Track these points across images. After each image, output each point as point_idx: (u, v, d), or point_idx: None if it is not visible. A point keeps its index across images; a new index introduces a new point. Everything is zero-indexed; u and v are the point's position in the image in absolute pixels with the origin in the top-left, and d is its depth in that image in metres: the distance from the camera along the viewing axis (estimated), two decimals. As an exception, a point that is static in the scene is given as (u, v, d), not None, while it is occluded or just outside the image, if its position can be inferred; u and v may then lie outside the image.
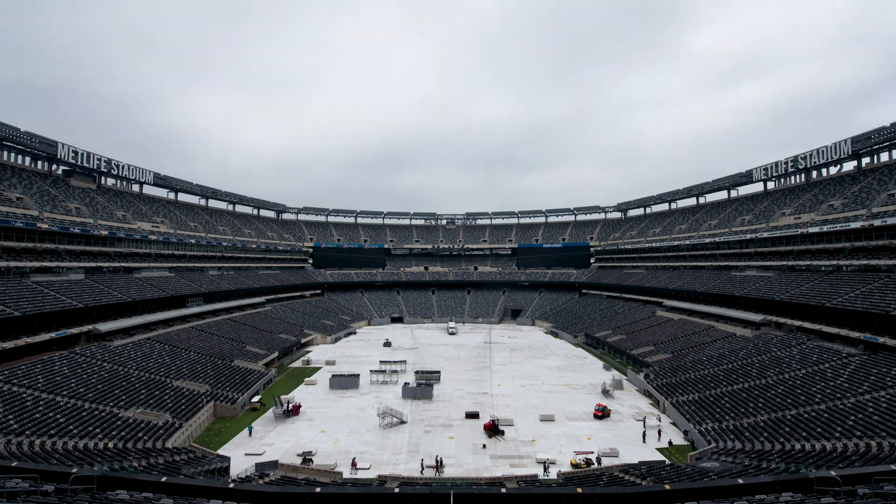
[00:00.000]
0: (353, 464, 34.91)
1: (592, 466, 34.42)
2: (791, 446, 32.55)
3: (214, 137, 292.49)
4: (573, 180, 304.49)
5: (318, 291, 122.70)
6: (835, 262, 59.38)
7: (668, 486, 15.31)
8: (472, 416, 45.65)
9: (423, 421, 45.01)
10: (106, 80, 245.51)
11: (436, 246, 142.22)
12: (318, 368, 67.46)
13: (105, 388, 41.72)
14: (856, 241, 56.33)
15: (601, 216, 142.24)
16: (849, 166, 73.98)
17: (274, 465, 32.75)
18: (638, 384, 57.14)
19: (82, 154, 75.25)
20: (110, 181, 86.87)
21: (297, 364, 71.13)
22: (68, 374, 42.18)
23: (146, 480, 16.11)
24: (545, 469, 33.86)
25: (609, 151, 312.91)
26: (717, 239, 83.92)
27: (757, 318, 61.51)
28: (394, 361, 64.91)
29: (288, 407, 46.62)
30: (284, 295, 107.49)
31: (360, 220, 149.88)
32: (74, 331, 50.85)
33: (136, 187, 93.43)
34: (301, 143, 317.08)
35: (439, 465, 34.23)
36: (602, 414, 45.67)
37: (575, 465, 34.99)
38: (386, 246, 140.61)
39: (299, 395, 53.57)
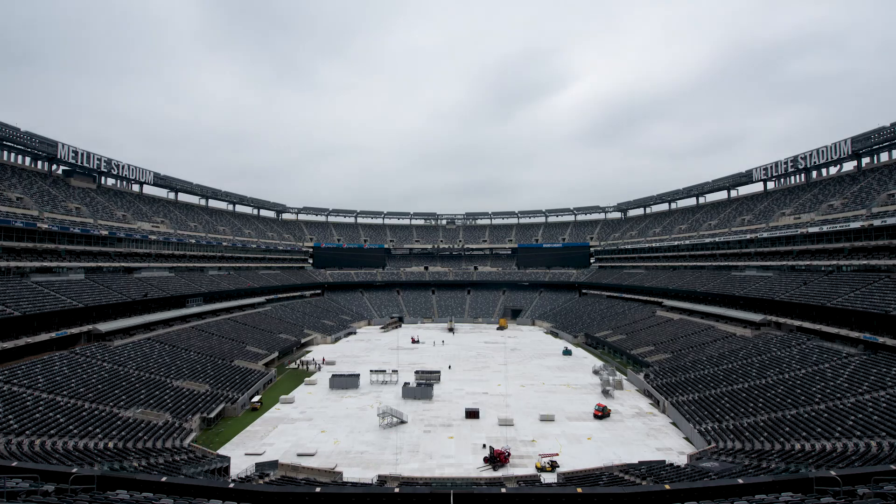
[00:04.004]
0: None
1: (558, 470, 33.30)
2: (791, 446, 32.55)
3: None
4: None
5: (318, 291, 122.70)
6: (835, 262, 59.38)
7: (668, 486, 15.31)
8: (472, 414, 45.72)
9: (423, 421, 45.02)
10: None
11: (436, 246, 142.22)
12: (321, 366, 67.43)
13: (105, 388, 41.72)
14: (856, 241, 56.32)
15: (601, 216, 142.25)
16: (849, 166, 74.02)
17: (274, 465, 32.74)
18: (638, 384, 57.14)
19: (82, 154, 75.23)
20: (110, 181, 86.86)
21: (298, 364, 71.10)
22: (68, 374, 42.18)
23: (146, 480, 16.10)
24: (544, 472, 33.49)
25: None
26: (717, 239, 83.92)
27: (757, 318, 61.50)
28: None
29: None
30: (284, 295, 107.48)
31: (360, 220, 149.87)
32: (74, 331, 50.83)
33: (136, 187, 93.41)
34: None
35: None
36: (602, 414, 45.64)
37: (539, 468, 33.85)
38: (386, 246, 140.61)
39: (299, 395, 53.61)
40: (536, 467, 34.29)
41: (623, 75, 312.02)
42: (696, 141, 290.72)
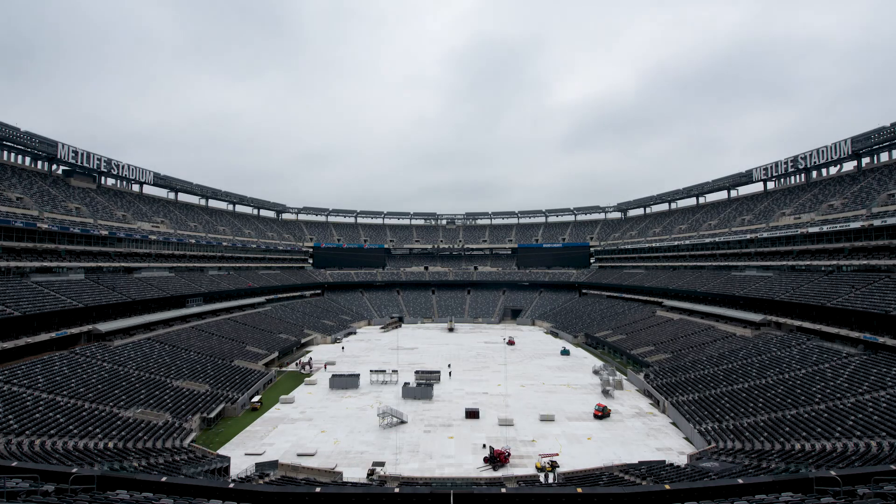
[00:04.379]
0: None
1: (558, 470, 33.14)
2: (791, 446, 32.54)
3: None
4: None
5: (318, 291, 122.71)
6: (835, 262, 59.36)
7: (668, 486, 15.31)
8: (472, 414, 45.71)
9: (423, 421, 45.01)
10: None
11: (436, 246, 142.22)
12: (318, 368, 67.42)
13: (105, 388, 41.72)
14: (856, 241, 56.31)
15: (601, 216, 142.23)
16: (849, 166, 73.99)
17: (274, 465, 32.74)
18: (638, 384, 57.13)
19: (82, 154, 75.23)
20: (110, 181, 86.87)
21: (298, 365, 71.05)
22: (68, 374, 42.18)
23: (146, 480, 16.10)
24: (544, 472, 33.46)
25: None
26: (717, 239, 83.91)
27: (757, 317, 61.50)
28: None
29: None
30: (284, 295, 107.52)
31: (360, 220, 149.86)
32: (74, 331, 50.83)
33: (136, 187, 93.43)
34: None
35: None
36: (602, 414, 45.62)
37: (539, 468, 33.66)
38: (386, 246, 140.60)
39: (299, 395, 53.60)
40: (536, 467, 34.25)
41: (622, 76, 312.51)
42: (694, 142, 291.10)
